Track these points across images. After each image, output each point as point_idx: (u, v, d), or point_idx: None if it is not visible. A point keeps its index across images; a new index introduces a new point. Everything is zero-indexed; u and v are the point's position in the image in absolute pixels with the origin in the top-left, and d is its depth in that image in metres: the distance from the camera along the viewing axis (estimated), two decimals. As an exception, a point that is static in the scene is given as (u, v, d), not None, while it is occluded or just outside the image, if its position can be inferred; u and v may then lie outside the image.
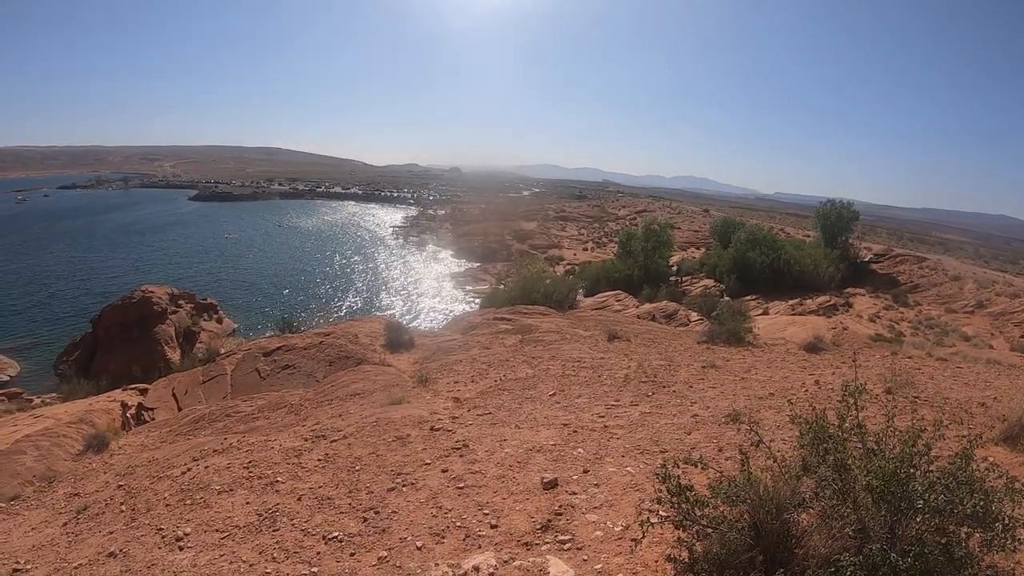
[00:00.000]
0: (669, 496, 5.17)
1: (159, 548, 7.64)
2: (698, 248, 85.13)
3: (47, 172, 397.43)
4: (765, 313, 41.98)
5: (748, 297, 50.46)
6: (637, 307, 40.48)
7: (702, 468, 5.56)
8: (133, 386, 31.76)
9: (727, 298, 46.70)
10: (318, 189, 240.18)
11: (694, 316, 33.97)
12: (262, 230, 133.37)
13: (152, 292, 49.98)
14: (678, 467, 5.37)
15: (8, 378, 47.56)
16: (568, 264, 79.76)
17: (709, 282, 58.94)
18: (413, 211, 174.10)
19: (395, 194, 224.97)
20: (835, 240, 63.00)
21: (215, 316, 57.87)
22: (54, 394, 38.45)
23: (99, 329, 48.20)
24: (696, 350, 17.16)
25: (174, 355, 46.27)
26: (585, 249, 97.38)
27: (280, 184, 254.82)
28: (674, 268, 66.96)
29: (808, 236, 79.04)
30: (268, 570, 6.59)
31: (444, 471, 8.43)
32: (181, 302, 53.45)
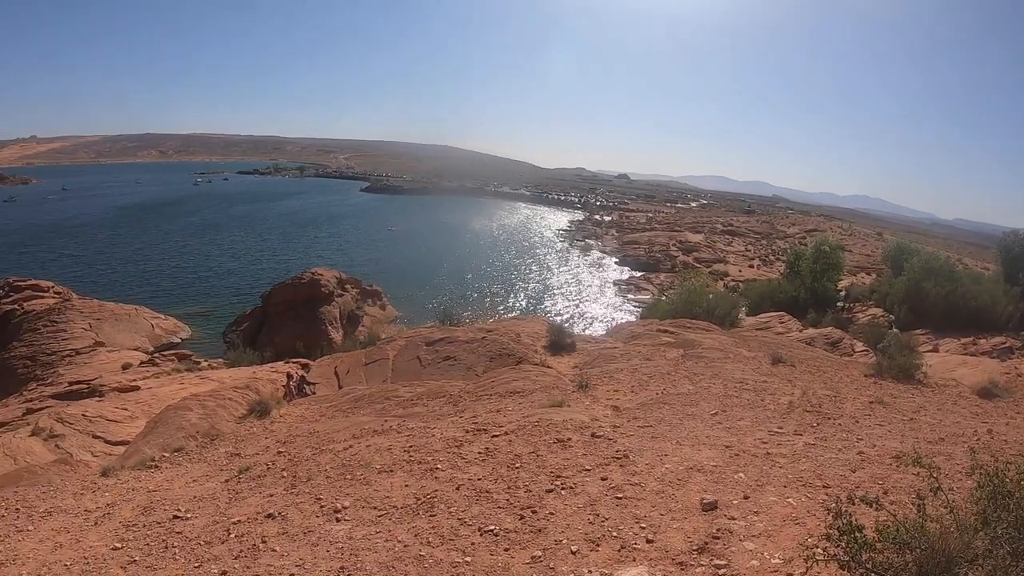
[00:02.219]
0: (839, 534, 5.58)
1: (317, 517, 9.12)
2: (868, 273, 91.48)
3: (229, 158, 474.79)
4: (935, 350, 40.47)
5: (918, 331, 49.34)
6: (801, 331, 42.66)
7: (876, 508, 5.92)
8: (296, 360, 37.07)
9: (895, 330, 47.24)
10: (487, 188, 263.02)
11: (859, 346, 36.38)
12: (429, 224, 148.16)
13: (321, 275, 58.72)
14: (853, 503, 5.78)
15: (179, 340, 59.54)
16: (732, 280, 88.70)
17: (878, 311, 61.04)
18: (579, 215, 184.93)
19: (562, 197, 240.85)
20: (1017, 276, 58.21)
21: (379, 302, 65.88)
22: (220, 360, 46.51)
23: (268, 305, 57.97)
24: (863, 383, 18.63)
25: (337, 336, 54.14)
26: (751, 266, 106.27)
27: (449, 181, 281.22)
28: (842, 293, 70.49)
29: (987, 269, 77.94)
30: (422, 553, 7.62)
31: (603, 479, 9.30)
32: (348, 286, 61.85)
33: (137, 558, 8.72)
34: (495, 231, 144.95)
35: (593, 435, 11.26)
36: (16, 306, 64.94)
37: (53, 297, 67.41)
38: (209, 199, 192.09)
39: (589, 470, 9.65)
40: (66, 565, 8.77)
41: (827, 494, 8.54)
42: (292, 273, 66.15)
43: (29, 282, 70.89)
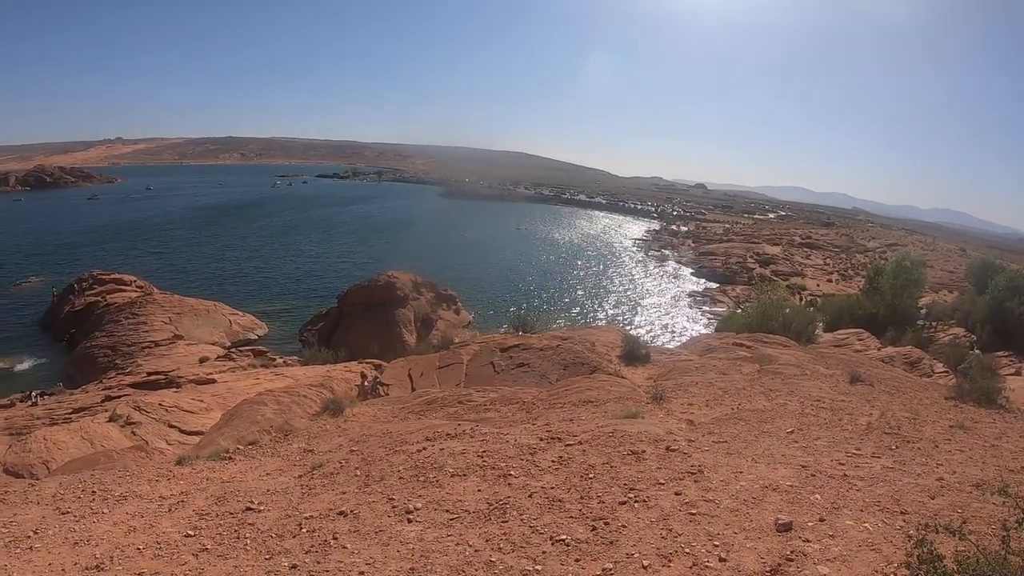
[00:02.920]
0: (918, 563, 5.45)
1: (388, 516, 9.17)
2: (951, 291, 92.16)
3: (308, 161, 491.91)
4: (1018, 374, 39.52)
5: (1001, 353, 48.75)
6: (879, 349, 42.18)
7: (958, 538, 5.76)
8: (369, 361, 37.79)
9: (977, 351, 47.08)
10: (562, 195, 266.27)
11: (939, 367, 36.26)
12: (503, 231, 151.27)
13: (397, 278, 60.57)
14: (934, 531, 5.68)
15: (256, 337, 62.35)
16: (810, 294, 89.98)
17: (960, 331, 60.47)
18: (656, 225, 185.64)
19: (638, 206, 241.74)
20: None
21: (453, 307, 67.23)
22: (295, 357, 48.06)
23: (344, 305, 59.92)
24: (943, 406, 18.33)
25: (410, 338, 55.48)
26: (829, 280, 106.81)
27: (525, 188, 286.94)
28: (923, 311, 70.04)
29: None
30: (492, 558, 7.61)
31: (677, 494, 9.19)
32: (423, 290, 63.45)
33: (209, 546, 8.90)
34: (570, 239, 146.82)
35: (668, 448, 11.26)
36: (99, 298, 68.17)
37: (135, 291, 70.50)
38: (288, 201, 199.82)
39: (663, 484, 9.63)
40: (139, 549, 8.99)
41: (904, 520, 8.44)
42: (368, 275, 68.48)
43: (112, 276, 74.34)
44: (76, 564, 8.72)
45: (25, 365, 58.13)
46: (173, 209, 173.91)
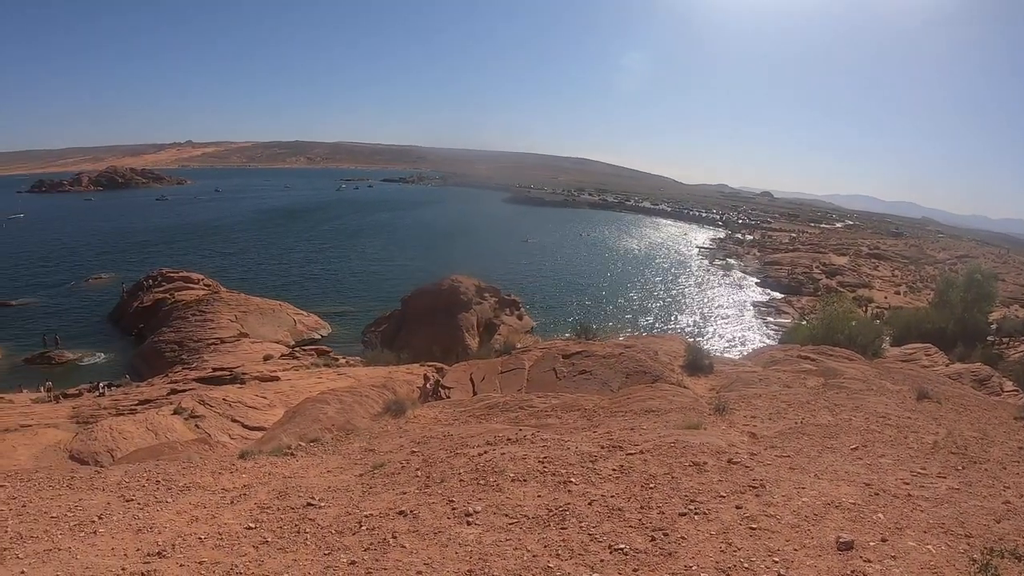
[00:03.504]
0: None
1: (448, 518, 9.15)
2: (1023, 306, 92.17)
3: (373, 165, 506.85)
4: None
5: None
6: (947, 365, 41.54)
7: None
8: (431, 364, 38.13)
9: None
10: (627, 202, 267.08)
11: (1008, 385, 35.72)
12: (567, 237, 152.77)
13: (461, 282, 61.43)
14: (1002, 557, 5.57)
15: (320, 337, 64.05)
16: (877, 307, 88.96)
17: None
18: (720, 233, 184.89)
19: (703, 214, 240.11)
20: None
21: (516, 312, 67.68)
22: (358, 358, 48.99)
23: (408, 308, 60.96)
24: (1012, 426, 18.06)
25: (473, 343, 56.01)
26: (897, 292, 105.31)
27: (590, 194, 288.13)
28: (993, 326, 68.76)
29: None
30: (550, 565, 7.56)
31: (738, 507, 9.01)
32: (486, 295, 63.98)
33: (269, 539, 9.04)
34: (634, 246, 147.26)
35: (730, 461, 11.11)
36: (167, 295, 70.49)
37: (202, 289, 72.69)
38: (353, 205, 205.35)
39: (724, 497, 9.48)
40: (200, 538, 9.17)
41: (969, 544, 8.14)
42: (431, 279, 69.71)
43: (181, 273, 76.87)
44: (139, 550, 8.89)
45: (94, 358, 60.33)
46: (240, 211, 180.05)
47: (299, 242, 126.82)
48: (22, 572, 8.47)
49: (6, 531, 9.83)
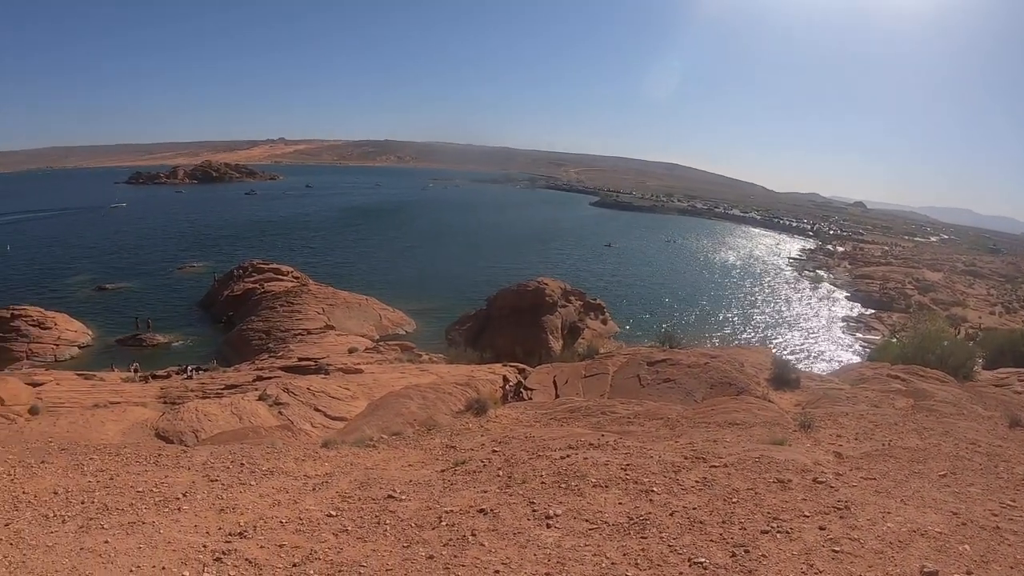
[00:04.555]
0: None
1: (528, 520, 9.09)
2: None
3: (462, 166, 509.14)
4: None
5: None
6: None
7: None
8: (513, 364, 38.16)
9: None
10: (716, 209, 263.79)
11: None
12: (654, 244, 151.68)
13: (546, 284, 61.29)
14: None
15: (404, 333, 65.71)
16: (971, 327, 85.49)
17: None
18: (811, 244, 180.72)
19: (793, 223, 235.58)
20: None
21: (600, 317, 67.54)
22: (441, 355, 49.50)
23: (492, 308, 61.36)
24: None
25: (556, 345, 56.03)
26: (991, 312, 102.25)
27: (679, 200, 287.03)
28: None
29: None
30: (628, 573, 7.44)
31: (821, 528, 8.75)
32: (571, 298, 63.91)
33: (349, 528, 9.19)
34: (721, 254, 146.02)
35: (815, 480, 10.79)
36: (257, 285, 72.90)
37: (291, 281, 74.91)
38: (441, 205, 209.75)
39: (807, 516, 9.20)
40: (281, 522, 9.38)
41: None
42: (515, 280, 70.33)
43: (271, 265, 79.40)
44: (220, 529, 9.15)
45: (183, 342, 62.77)
46: (330, 207, 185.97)
47: (387, 239, 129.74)
48: (106, 542, 8.81)
49: (93, 502, 10.29)
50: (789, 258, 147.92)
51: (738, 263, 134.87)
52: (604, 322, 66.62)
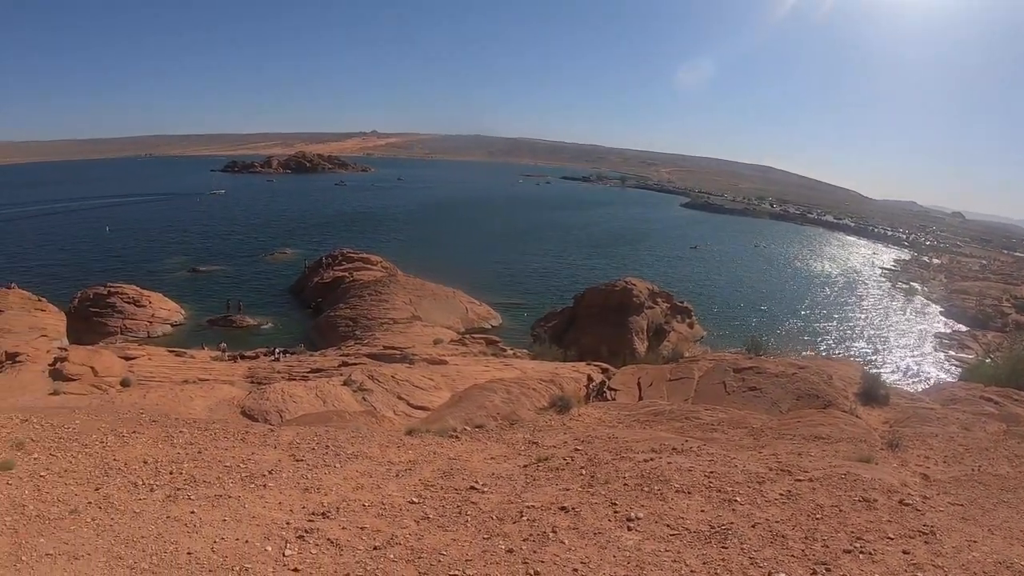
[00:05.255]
0: None
1: (609, 520, 9.04)
2: None
3: (552, 163, 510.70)
4: None
5: None
6: None
7: None
8: (597, 363, 37.84)
9: None
10: (808, 215, 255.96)
11: None
12: (743, 248, 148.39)
13: (634, 285, 60.58)
14: None
15: (490, 327, 65.88)
16: None
17: None
18: (905, 254, 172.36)
19: (888, 232, 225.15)
20: None
21: (687, 320, 66.36)
22: (525, 351, 49.84)
23: (579, 306, 61.04)
24: None
25: (641, 347, 55.42)
26: None
27: (771, 204, 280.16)
28: None
29: None
30: None
31: (905, 552, 8.45)
32: (658, 299, 63.09)
33: (431, 516, 9.33)
34: (812, 262, 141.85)
35: (900, 502, 10.39)
36: (346, 274, 74.62)
37: (380, 271, 76.35)
38: (531, 201, 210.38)
39: (891, 539, 8.91)
40: (364, 505, 9.61)
41: None
42: (601, 280, 70.26)
43: (361, 255, 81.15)
44: (304, 508, 9.42)
45: (272, 325, 64.69)
46: (420, 199, 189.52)
47: (475, 233, 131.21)
48: (192, 512, 9.21)
49: (181, 473, 10.79)
50: (882, 268, 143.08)
51: (829, 272, 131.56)
52: (691, 326, 65.63)
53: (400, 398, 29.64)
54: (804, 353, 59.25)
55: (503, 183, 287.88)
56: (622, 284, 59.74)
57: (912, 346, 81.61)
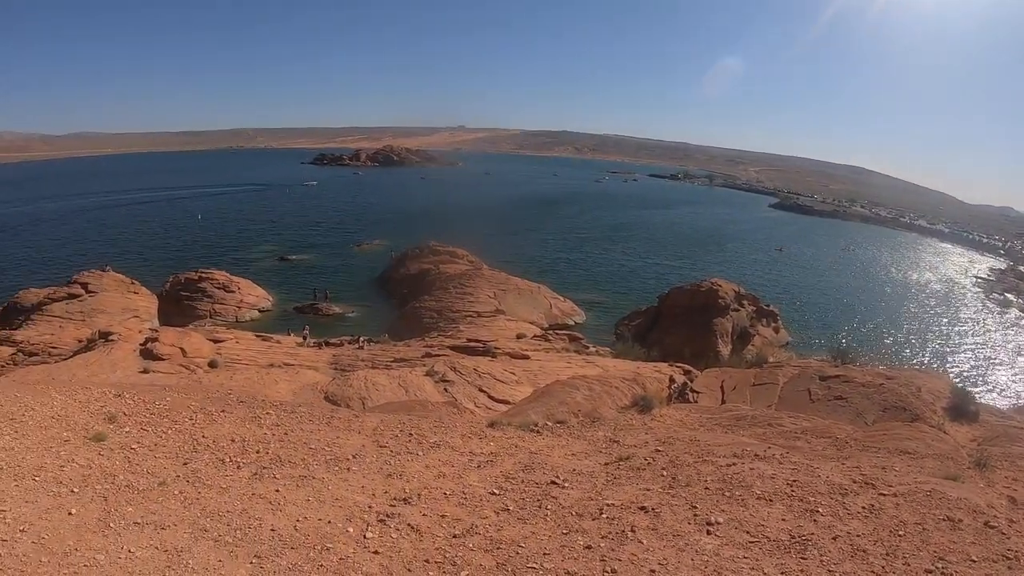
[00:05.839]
0: None
1: (689, 523, 9.01)
2: None
3: (639, 160, 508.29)
4: None
5: None
6: None
7: None
8: (679, 364, 37.54)
9: None
10: (900, 219, 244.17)
11: None
12: (830, 251, 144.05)
13: (720, 286, 59.53)
14: None
15: (573, 323, 65.74)
16: None
17: None
18: (1001, 263, 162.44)
19: (983, 239, 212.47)
20: None
21: (772, 324, 64.66)
22: (607, 348, 49.62)
23: (663, 306, 60.48)
24: None
25: (724, 349, 54.49)
26: None
27: (862, 207, 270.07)
28: None
29: None
30: None
31: None
32: (744, 302, 61.59)
33: (511, 508, 9.45)
34: (903, 268, 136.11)
35: (986, 524, 10.00)
36: (432, 266, 75.71)
37: (466, 264, 77.14)
38: (617, 198, 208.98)
39: (975, 561, 8.61)
40: (445, 493, 9.82)
41: None
42: (687, 279, 70.07)
43: (447, 248, 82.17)
44: (386, 493, 9.67)
45: (357, 314, 66.09)
46: (507, 194, 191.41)
47: (561, 229, 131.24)
48: (277, 491, 9.58)
49: (267, 452, 11.24)
50: (976, 278, 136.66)
51: (920, 279, 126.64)
52: (776, 330, 63.98)
53: (481, 390, 29.98)
54: (891, 363, 57.59)
55: (589, 179, 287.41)
56: (707, 285, 58.88)
57: (1005, 361, 78.02)
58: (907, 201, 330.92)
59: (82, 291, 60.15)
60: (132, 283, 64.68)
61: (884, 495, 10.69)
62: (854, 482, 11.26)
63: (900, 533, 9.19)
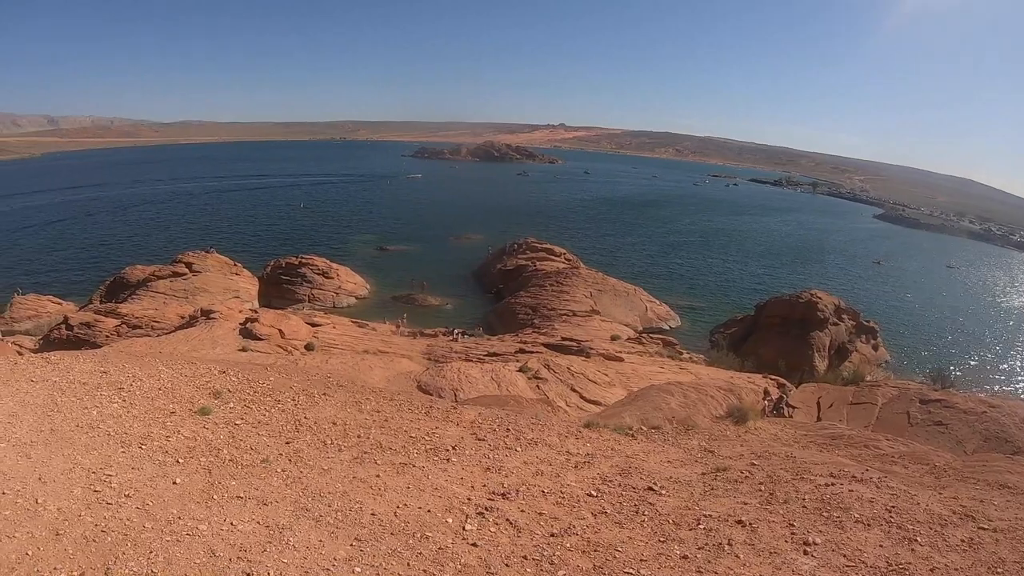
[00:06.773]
0: None
1: (786, 541, 8.85)
2: None
3: (741, 163, 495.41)
4: None
5: None
6: None
7: None
8: (773, 377, 36.83)
9: None
10: (1011, 236, 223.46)
11: None
12: (934, 267, 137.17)
13: (820, 298, 57.65)
14: None
15: (668, 328, 64.93)
16: None
17: None
18: None
19: None
20: None
21: (872, 341, 62.14)
22: (701, 356, 49.00)
23: (760, 316, 59.09)
24: None
25: (820, 364, 52.82)
26: None
27: (970, 221, 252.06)
28: None
29: None
30: None
31: None
32: (844, 316, 59.40)
33: (608, 511, 9.41)
34: (1012, 289, 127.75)
35: None
36: (529, 262, 75.83)
37: (563, 262, 77.18)
38: (717, 202, 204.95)
39: None
40: (543, 491, 9.84)
41: None
42: (785, 289, 68.90)
43: (545, 245, 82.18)
44: (485, 486, 9.79)
45: (453, 306, 66.96)
46: (606, 194, 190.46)
47: (660, 231, 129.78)
48: (377, 476, 9.86)
49: (369, 438, 11.55)
50: None
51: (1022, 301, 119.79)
52: (875, 347, 61.43)
53: (574, 390, 30.04)
54: (998, 391, 54.90)
55: (688, 182, 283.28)
56: (807, 296, 57.20)
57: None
58: (1020, 217, 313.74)
59: (186, 270, 63.31)
60: (234, 265, 67.58)
61: (984, 529, 10.44)
62: (954, 513, 11.01)
63: (999, 570, 8.96)
